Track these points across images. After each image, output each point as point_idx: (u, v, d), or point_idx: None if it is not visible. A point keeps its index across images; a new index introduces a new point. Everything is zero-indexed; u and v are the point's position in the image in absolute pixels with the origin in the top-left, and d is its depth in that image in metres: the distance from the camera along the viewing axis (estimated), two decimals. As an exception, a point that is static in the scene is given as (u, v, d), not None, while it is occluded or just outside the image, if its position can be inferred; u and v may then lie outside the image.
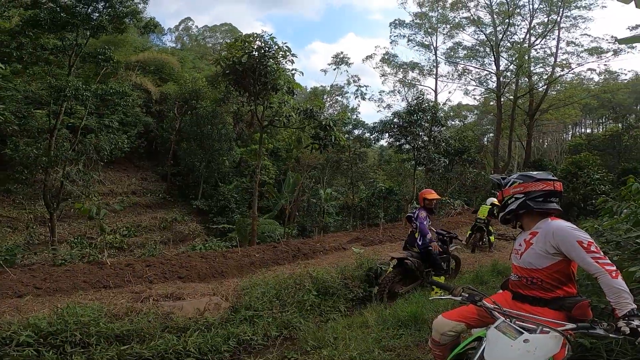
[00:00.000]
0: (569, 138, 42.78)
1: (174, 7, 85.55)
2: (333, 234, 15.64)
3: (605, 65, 24.54)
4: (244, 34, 13.50)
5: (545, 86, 24.36)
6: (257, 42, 12.33)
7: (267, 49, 12.22)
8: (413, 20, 29.80)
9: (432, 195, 5.77)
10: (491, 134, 37.07)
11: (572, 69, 24.18)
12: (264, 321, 4.25)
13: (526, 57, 22.64)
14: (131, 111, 20.00)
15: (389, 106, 31.57)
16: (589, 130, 45.61)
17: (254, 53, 12.09)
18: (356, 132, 28.62)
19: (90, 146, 14.36)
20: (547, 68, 24.35)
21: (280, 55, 12.42)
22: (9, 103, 12.44)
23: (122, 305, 4.29)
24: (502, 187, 2.24)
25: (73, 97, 13.30)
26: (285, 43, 12.54)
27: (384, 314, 4.37)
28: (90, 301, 4.50)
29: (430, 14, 29.14)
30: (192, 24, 53.80)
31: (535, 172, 2.18)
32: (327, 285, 5.17)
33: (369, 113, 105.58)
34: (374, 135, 21.30)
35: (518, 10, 24.37)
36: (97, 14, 13.48)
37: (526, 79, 24.57)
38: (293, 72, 13.58)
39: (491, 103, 31.60)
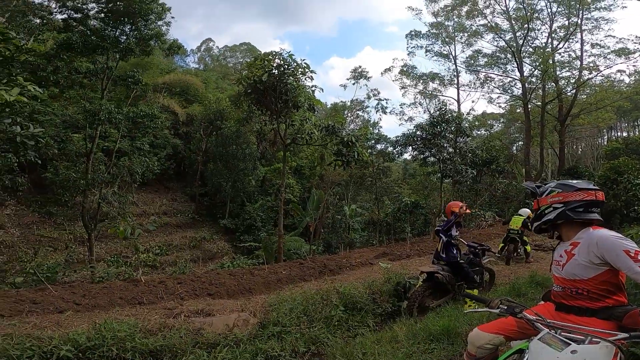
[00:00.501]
0: (605, 143, 40.62)
1: (195, 29, 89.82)
2: (359, 250, 15.44)
3: (634, 66, 23.40)
4: (263, 52, 13.88)
5: (574, 90, 23.45)
6: (276, 60, 12.44)
7: (286, 66, 12.32)
8: (429, 30, 29.77)
9: (458, 209, 5.62)
10: (520, 143, 35.84)
11: (601, 71, 23.20)
12: (291, 337, 4.22)
13: (550, 62, 21.98)
14: (160, 133, 20.92)
15: (410, 119, 31.30)
16: (624, 134, 43.18)
17: (273, 71, 12.20)
18: (379, 146, 28.46)
19: (124, 169, 15.06)
20: (574, 72, 23.51)
21: (299, 72, 12.47)
22: (49, 127, 13.26)
23: (156, 321, 4.36)
24: (538, 195, 2.16)
25: (107, 121, 14.04)
26: (303, 60, 12.68)
27: (415, 328, 4.24)
28: (126, 317, 4.59)
29: (446, 23, 29.01)
30: (213, 45, 55.54)
31: (575, 181, 2.09)
32: (355, 301, 5.08)
33: (391, 127, 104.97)
34: (397, 149, 21.13)
35: (536, 15, 23.82)
36: (124, 37, 14.33)
37: (553, 83, 23.78)
38: (313, 88, 13.74)
39: (518, 110, 30.71)
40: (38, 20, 15.07)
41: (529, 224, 9.05)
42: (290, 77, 12.24)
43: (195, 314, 4.89)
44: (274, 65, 12.31)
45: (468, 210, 5.70)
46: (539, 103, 24.94)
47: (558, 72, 23.15)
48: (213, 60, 52.77)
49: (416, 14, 30.33)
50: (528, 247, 9.63)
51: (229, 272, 8.71)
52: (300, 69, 12.47)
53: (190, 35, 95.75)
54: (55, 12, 14.99)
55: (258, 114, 15.60)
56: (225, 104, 24.07)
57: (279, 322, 4.43)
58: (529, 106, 25.09)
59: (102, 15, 14.02)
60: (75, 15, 14.19)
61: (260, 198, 24.14)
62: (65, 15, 14.40)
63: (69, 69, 14.57)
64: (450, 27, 28.95)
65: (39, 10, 15.09)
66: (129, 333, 3.74)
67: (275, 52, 12.68)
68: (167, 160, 22.54)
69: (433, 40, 29.95)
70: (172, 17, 16.03)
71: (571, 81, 23.19)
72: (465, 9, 27.20)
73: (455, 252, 5.53)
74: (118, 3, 13.59)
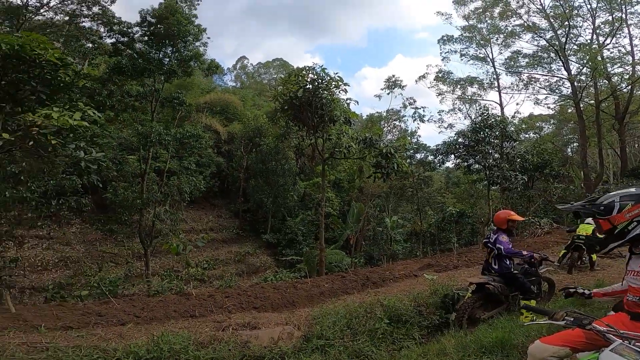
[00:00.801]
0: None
1: (230, 47, 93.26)
2: (402, 262, 15.06)
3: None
4: (296, 68, 14.07)
5: (630, 86, 21.46)
6: (309, 75, 12.54)
7: (320, 81, 12.38)
8: (462, 34, 28.76)
9: (516, 216, 5.33)
10: (575, 144, 33.26)
11: (655, 65, 21.14)
12: (335, 350, 4.20)
13: (599, 59, 20.38)
14: (204, 152, 21.92)
15: (450, 126, 30.21)
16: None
17: (308, 86, 12.29)
18: (418, 156, 27.82)
19: (174, 188, 15.99)
20: (627, 67, 21.58)
21: (333, 86, 12.49)
22: (107, 150, 14.39)
23: (207, 334, 4.50)
24: (605, 214, 2.05)
25: (157, 142, 14.99)
26: (337, 73, 12.76)
27: (465, 340, 4.04)
28: (180, 329, 4.76)
29: (479, 25, 27.92)
30: (248, 62, 56.59)
31: (632, 189, 2.05)
32: (400, 313, 4.97)
33: (430, 135, 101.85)
34: (438, 158, 20.45)
35: (576, 12, 22.23)
36: (167, 59, 15.31)
37: (605, 81, 21.97)
38: (348, 101, 13.76)
39: (569, 110, 28.65)
40: (90, 45, 16.41)
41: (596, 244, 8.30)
42: (325, 92, 12.28)
43: (242, 327, 4.99)
44: (308, 80, 12.42)
45: (518, 218, 5.39)
46: (592, 101, 23.11)
47: (609, 69, 21.41)
48: (248, 78, 53.85)
49: (446, 19, 29.58)
50: (594, 256, 8.83)
51: (273, 286, 8.88)
52: (333, 83, 12.54)
53: (226, 54, 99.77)
54: (105, 36, 16.42)
55: (295, 129, 15.84)
56: (263, 121, 24.77)
57: (322, 336, 4.43)
58: (582, 105, 23.31)
59: (146, 38, 15.19)
60: (122, 39, 15.50)
61: (301, 212, 24.40)
62: (113, 40, 15.79)
63: (121, 92, 15.78)
64: (484, 30, 27.89)
65: (90, 35, 16.45)
66: (183, 346, 3.90)
67: (308, 67, 12.84)
68: (212, 179, 23.52)
69: (467, 43, 28.94)
70: (208, 38, 17.11)
71: (625, 77, 21.32)
72: (497, 10, 26.11)
73: (508, 262, 5.22)
74: (159, 26, 14.74)
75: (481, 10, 27.06)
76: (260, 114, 26.23)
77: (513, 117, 29.62)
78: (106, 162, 8.78)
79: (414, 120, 28.88)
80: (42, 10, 15.44)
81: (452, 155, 19.01)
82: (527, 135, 33.31)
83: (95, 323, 5.86)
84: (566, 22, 21.92)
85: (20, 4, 14.66)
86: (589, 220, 8.89)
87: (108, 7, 15.90)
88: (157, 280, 14.00)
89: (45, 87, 7.43)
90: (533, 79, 26.66)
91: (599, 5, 21.83)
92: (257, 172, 23.89)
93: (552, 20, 23.08)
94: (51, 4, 15.35)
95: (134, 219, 15.18)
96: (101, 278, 12.55)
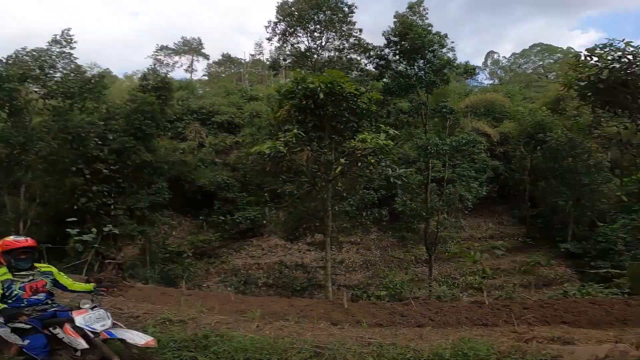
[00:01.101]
0: None
1: (469, 47, 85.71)
2: None
3: None
4: (568, 48, 11.07)
5: None
6: (612, 53, 10.03)
7: (631, 56, 9.72)
8: None
9: None
10: None
11: None
12: None
13: None
14: (478, 157, 21.38)
15: None
16: None
17: (614, 65, 9.86)
18: None
19: (454, 196, 16.46)
20: None
21: None
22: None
23: (507, 344, 4.28)
24: None
25: (435, 153, 15.95)
26: None
27: None
28: (475, 336, 4.69)
29: None
30: (498, 56, 53.11)
31: None
32: None
33: None
34: None
35: None
36: (422, 72, 16.16)
37: None
38: None
39: None
40: (358, 73, 19.67)
41: None
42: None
43: (550, 340, 4.56)
44: (609, 59, 9.93)
45: None
46: None
47: None
48: (506, 72, 50.54)
49: None
50: None
51: (591, 301, 7.79)
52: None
53: (467, 54, 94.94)
54: (366, 63, 19.36)
55: (607, 115, 12.73)
56: (544, 114, 21.80)
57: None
58: None
59: (397, 57, 16.75)
60: (380, 62, 17.68)
61: (621, 217, 19.04)
62: (374, 64, 18.33)
63: (396, 111, 17.98)
64: None
65: (357, 64, 19.73)
66: (486, 354, 3.88)
67: (601, 44, 10.33)
68: (489, 184, 22.47)
69: None
70: (452, 42, 16.81)
71: None
72: None
73: None
74: (403, 43, 16.01)
75: None
76: (536, 107, 23.22)
77: None
78: (407, 177, 10.30)
79: None
80: (320, 50, 20.40)
81: None
82: None
83: (399, 322, 6.90)
84: None
85: (306, 47, 19.80)
86: None
87: (360, 36, 19.11)
88: (435, 286, 14.71)
89: (353, 116, 9.78)
90: None
91: None
92: (547, 172, 20.99)
93: None
94: (323, 44, 19.98)
95: (420, 227, 16.69)
96: (390, 280, 14.55)
